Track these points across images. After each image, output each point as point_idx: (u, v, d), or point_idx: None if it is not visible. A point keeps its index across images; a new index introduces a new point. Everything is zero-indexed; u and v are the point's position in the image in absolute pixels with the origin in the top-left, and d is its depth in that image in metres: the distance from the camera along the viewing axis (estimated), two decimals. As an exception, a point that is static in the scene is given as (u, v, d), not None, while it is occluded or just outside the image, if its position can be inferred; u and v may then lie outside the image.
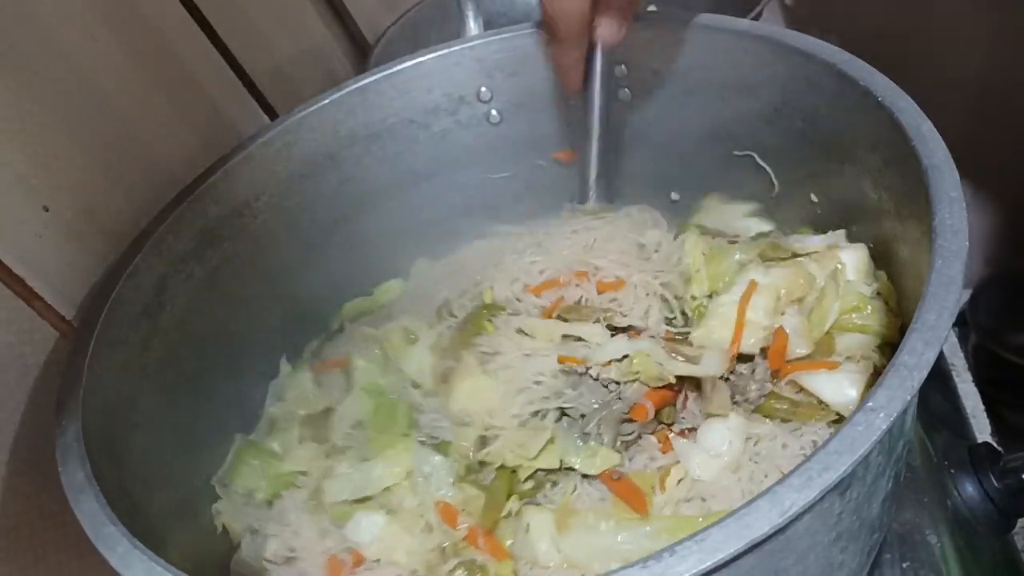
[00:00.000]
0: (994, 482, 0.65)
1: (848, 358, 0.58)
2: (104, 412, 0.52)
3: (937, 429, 0.71)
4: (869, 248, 0.61)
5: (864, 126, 0.56)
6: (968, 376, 0.81)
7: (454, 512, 0.57)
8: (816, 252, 0.63)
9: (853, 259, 0.61)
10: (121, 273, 0.60)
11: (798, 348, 0.59)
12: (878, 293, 0.60)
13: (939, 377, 0.78)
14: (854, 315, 0.59)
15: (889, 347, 0.58)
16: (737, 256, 0.64)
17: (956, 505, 0.65)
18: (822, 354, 0.58)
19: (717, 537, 0.33)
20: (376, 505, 0.61)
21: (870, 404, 0.36)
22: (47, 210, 0.60)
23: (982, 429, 0.76)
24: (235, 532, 0.63)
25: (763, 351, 0.60)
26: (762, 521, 0.33)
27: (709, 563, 0.32)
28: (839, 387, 0.55)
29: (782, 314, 0.60)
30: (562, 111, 0.79)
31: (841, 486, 0.37)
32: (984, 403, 0.80)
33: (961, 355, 0.83)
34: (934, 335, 0.38)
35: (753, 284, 0.60)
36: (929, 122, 0.50)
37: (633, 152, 0.80)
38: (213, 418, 0.66)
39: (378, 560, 0.58)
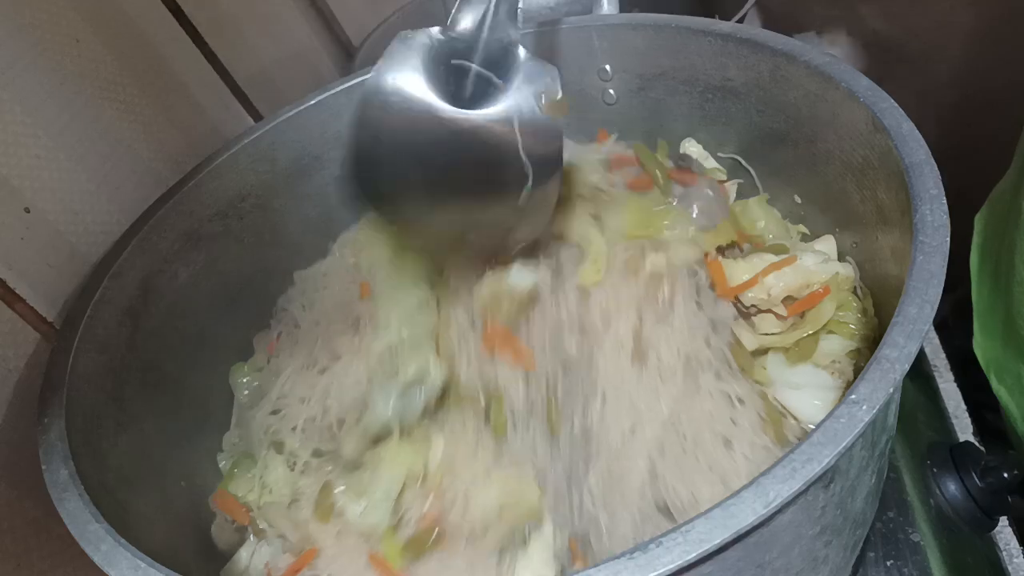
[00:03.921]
0: (976, 481, 0.65)
1: (825, 365, 0.59)
2: (88, 411, 0.52)
3: (920, 429, 0.72)
4: (853, 246, 0.61)
5: (846, 126, 0.57)
6: (950, 376, 0.81)
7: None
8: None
9: (828, 247, 0.64)
10: (105, 273, 0.59)
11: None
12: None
13: (922, 378, 0.79)
14: (840, 313, 0.59)
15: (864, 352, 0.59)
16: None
17: (939, 504, 0.65)
18: (802, 354, 0.58)
19: (702, 528, 0.33)
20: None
21: (853, 396, 0.36)
22: (28, 211, 0.60)
23: (964, 429, 0.76)
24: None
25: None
26: (746, 512, 0.33)
27: (694, 554, 0.32)
28: (810, 401, 0.56)
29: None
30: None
31: (825, 478, 0.37)
32: (967, 406, 0.81)
33: (943, 356, 0.84)
34: (915, 328, 0.38)
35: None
36: (910, 122, 0.50)
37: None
38: (197, 417, 0.66)
39: None
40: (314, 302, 0.71)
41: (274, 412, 0.65)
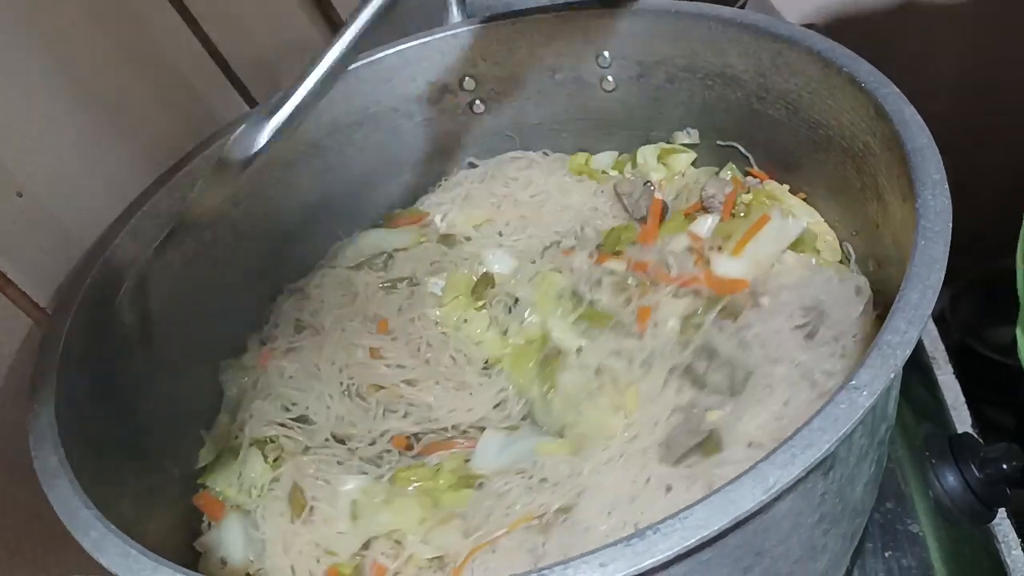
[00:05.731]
0: (975, 472, 0.65)
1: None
2: (79, 398, 0.51)
3: (918, 420, 0.72)
4: (853, 234, 0.61)
5: (847, 112, 0.56)
6: (949, 368, 0.81)
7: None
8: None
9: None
10: (96, 260, 0.59)
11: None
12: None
13: (920, 369, 0.78)
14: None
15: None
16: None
17: (937, 495, 0.65)
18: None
19: (700, 515, 0.33)
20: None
21: (853, 382, 0.36)
22: (21, 195, 0.59)
23: (963, 421, 0.76)
24: None
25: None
26: (746, 498, 0.33)
27: (692, 540, 0.32)
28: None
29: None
30: (546, 101, 0.78)
31: (824, 465, 0.37)
32: (965, 398, 0.81)
33: (942, 348, 0.83)
34: (917, 314, 0.37)
35: None
36: (912, 107, 0.50)
37: (615, 141, 0.80)
38: (191, 406, 0.65)
39: None
40: (318, 311, 0.72)
41: (250, 412, 0.66)
